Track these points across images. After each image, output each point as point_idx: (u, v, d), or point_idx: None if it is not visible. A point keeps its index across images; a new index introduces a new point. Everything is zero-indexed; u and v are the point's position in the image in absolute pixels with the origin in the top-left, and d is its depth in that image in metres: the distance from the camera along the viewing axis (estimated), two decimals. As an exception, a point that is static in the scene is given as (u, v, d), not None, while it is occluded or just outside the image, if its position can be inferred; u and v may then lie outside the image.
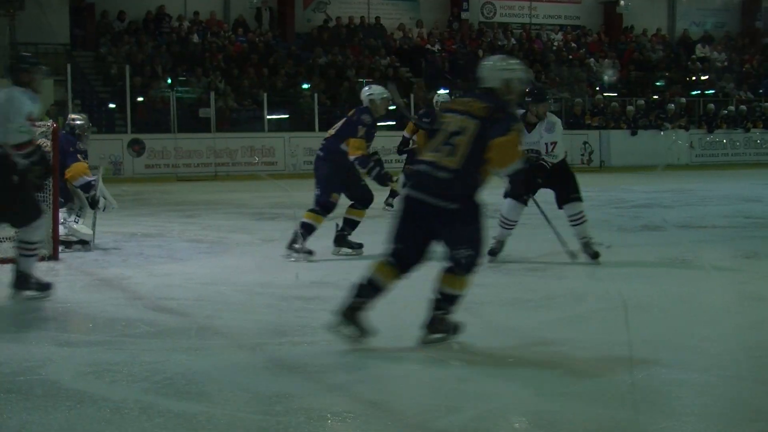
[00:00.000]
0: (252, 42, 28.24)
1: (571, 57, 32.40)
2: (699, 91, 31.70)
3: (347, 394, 4.68)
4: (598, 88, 30.38)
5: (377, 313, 6.58)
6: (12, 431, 4.03)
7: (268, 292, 7.46)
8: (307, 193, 10.01)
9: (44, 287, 7.15)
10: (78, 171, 9.85)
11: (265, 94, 24.55)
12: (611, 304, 6.93)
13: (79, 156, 9.95)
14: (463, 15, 33.00)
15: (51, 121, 9.74)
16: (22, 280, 7.05)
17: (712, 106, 29.73)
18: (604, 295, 7.39)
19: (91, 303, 7.02)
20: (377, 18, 31.42)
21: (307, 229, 9.18)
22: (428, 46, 30.92)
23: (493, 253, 9.06)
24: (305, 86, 26.66)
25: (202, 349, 5.63)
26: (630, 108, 28.33)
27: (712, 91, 31.80)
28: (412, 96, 26.51)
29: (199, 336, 6.00)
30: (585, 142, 26.90)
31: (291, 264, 8.87)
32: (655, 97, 30.52)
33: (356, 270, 8.52)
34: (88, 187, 9.87)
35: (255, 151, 23.71)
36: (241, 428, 4.16)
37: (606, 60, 31.92)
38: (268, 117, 24.55)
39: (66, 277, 8.21)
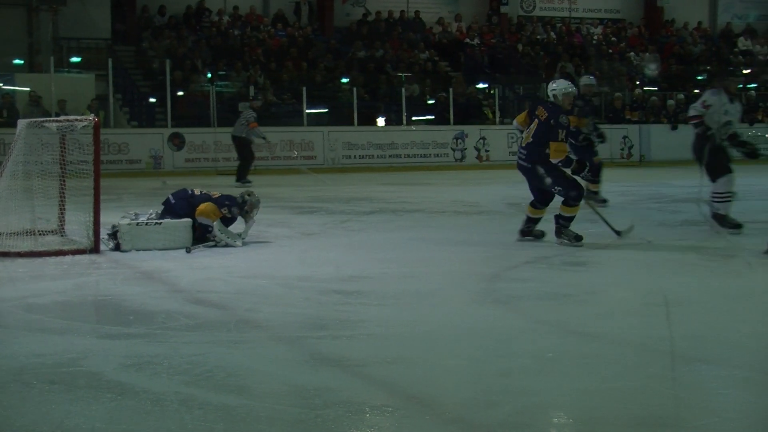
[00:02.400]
0: (291, 36, 28.32)
1: (611, 51, 32.22)
2: (741, 85, 31.38)
3: (386, 387, 4.67)
4: (638, 82, 30.19)
5: (414, 310, 6.59)
6: (55, 422, 4.06)
7: (308, 286, 7.47)
8: (345, 187, 10.03)
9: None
10: (207, 210, 9.69)
11: (304, 89, 24.61)
12: (652, 299, 6.89)
13: (224, 208, 9.79)
14: (503, 9, 32.92)
15: (92, 115, 9.80)
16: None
17: (753, 93, 29.43)
18: (645, 290, 7.34)
19: (131, 296, 7.07)
20: (416, 12, 31.41)
21: (568, 220, 9.60)
22: (467, 40, 30.87)
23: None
24: (344, 80, 26.71)
25: (242, 342, 5.65)
26: (670, 102, 28.11)
27: (755, 85, 31.48)
28: (450, 90, 26.48)
29: (238, 329, 6.02)
30: (625, 137, 26.74)
31: (331, 258, 8.89)
32: (696, 91, 30.25)
33: (393, 264, 8.55)
34: (205, 228, 9.65)
35: (294, 145, 23.78)
36: (280, 421, 4.17)
37: (648, 54, 31.68)
38: (307, 111, 24.61)
39: (107, 270, 8.27)
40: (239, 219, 9.92)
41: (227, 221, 9.84)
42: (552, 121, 9.30)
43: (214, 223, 9.60)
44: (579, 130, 12.79)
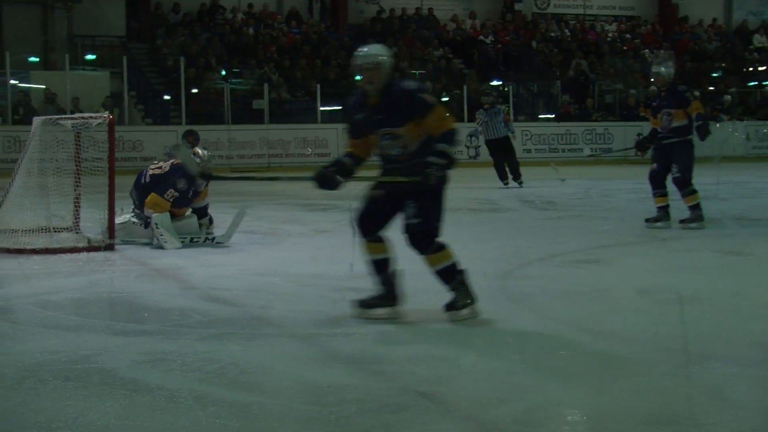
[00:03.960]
0: (305, 33, 28.34)
1: (625, 48, 32.14)
2: (756, 82, 31.27)
3: (399, 385, 4.68)
4: (652, 80, 30.08)
5: (426, 307, 6.60)
6: (70, 418, 4.09)
7: (321, 283, 7.48)
8: (359, 184, 10.02)
9: None
10: (150, 203, 9.53)
11: (318, 86, 24.62)
12: (665, 296, 6.88)
13: (169, 191, 9.51)
14: (517, 6, 32.89)
15: (107, 112, 9.83)
16: None
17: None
18: (658, 288, 7.33)
19: (145, 293, 7.10)
20: (430, 9, 31.40)
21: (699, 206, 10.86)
22: (481, 38, 30.84)
23: None
24: (358, 78, 26.71)
25: (255, 339, 5.67)
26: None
27: (770, 82, 31.39)
28: (465, 87, 26.47)
29: (251, 326, 6.04)
30: (639, 134, 26.54)
31: (344, 256, 8.88)
32: (711, 88, 30.16)
33: (405, 262, 8.57)
34: (147, 221, 9.59)
35: (308, 143, 23.81)
36: (293, 419, 4.19)
37: (662, 51, 31.59)
38: (321, 108, 24.63)
39: (121, 267, 8.31)
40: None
41: (183, 199, 9.64)
42: None
43: (154, 215, 9.41)
44: None
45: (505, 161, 18.06)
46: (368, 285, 7.30)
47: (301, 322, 6.14)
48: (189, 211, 9.97)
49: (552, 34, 32.06)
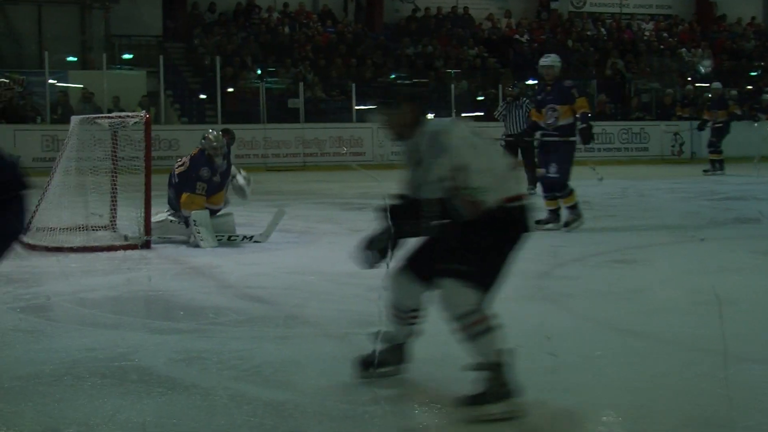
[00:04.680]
0: (340, 32, 28.37)
1: (662, 47, 31.91)
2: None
3: (434, 384, 4.68)
4: (689, 79, 29.89)
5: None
6: (107, 415, 4.11)
7: (356, 282, 7.47)
8: (394, 183, 10.00)
9: None
10: (185, 203, 9.63)
11: (353, 85, 24.64)
12: (702, 297, 6.81)
13: (197, 185, 9.61)
14: (553, 5, 32.74)
15: (144, 111, 9.89)
16: None
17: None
18: (695, 288, 7.27)
19: (181, 291, 7.13)
20: (465, 8, 31.33)
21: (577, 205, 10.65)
22: (517, 37, 30.73)
23: None
24: (393, 76, 26.70)
25: (290, 337, 5.68)
26: (723, 99, 27.78)
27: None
28: (500, 86, 26.38)
29: (287, 325, 6.05)
30: (676, 134, 26.45)
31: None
32: (749, 87, 29.89)
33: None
34: (186, 219, 9.65)
35: (343, 142, 23.82)
36: (328, 417, 4.19)
37: (700, 50, 31.37)
38: (356, 107, 24.63)
39: (158, 266, 8.35)
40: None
41: (212, 186, 9.70)
42: None
43: (192, 213, 9.48)
44: None
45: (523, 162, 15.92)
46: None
47: (336, 320, 6.15)
48: (224, 208, 10.01)
49: (588, 33, 31.89)
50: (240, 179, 10.14)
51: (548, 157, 10.56)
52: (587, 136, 10.82)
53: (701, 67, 30.24)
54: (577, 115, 10.64)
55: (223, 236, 9.61)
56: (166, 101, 23.94)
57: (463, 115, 25.78)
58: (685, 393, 4.52)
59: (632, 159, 25.25)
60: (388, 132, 4.62)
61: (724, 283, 7.28)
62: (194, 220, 9.41)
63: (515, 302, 6.29)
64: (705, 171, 20.60)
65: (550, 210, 10.59)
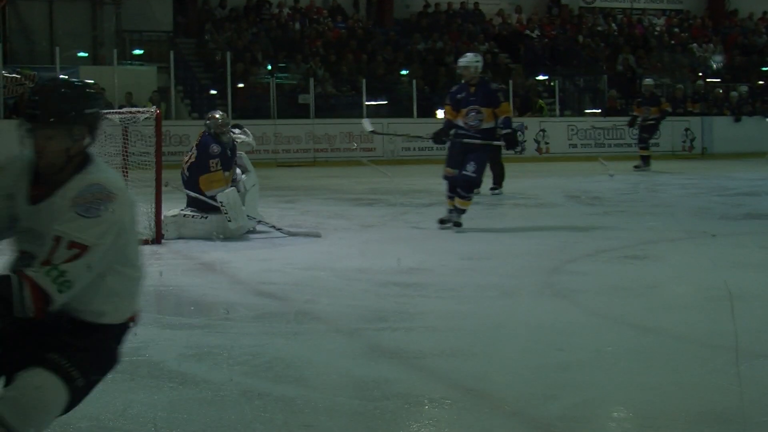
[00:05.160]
0: (351, 28, 28.36)
1: (673, 42, 31.83)
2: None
3: (445, 380, 4.68)
4: (700, 74, 29.81)
5: (473, 303, 6.58)
6: (118, 410, 4.12)
7: (366, 278, 7.49)
8: (404, 179, 10.05)
9: None
10: (204, 184, 9.67)
11: (364, 81, 24.62)
12: (714, 293, 6.80)
13: (211, 163, 9.67)
14: (563, 0, 32.66)
15: (154, 107, 9.90)
16: None
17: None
18: (707, 284, 7.25)
19: (192, 287, 7.14)
20: (476, 4, 31.26)
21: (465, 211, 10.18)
22: (527, 32, 30.67)
23: None
24: (404, 72, 26.69)
25: (301, 333, 5.69)
26: (734, 94, 27.72)
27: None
28: (510, 82, 26.35)
29: (297, 320, 6.05)
30: (686, 129, 26.39)
31: (389, 250, 8.90)
32: (760, 82, 29.79)
33: (452, 257, 8.55)
34: (205, 213, 9.68)
35: (353, 137, 23.81)
36: (339, 413, 4.19)
37: (711, 45, 31.29)
38: (367, 103, 24.62)
39: (169, 261, 8.36)
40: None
41: (226, 161, 9.73)
42: None
43: (218, 196, 9.48)
44: None
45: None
46: (414, 279, 7.30)
47: (346, 316, 6.15)
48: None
49: (599, 29, 31.80)
50: (241, 137, 10.22)
51: (466, 157, 10.12)
52: (514, 141, 10.68)
53: (713, 63, 30.15)
54: (500, 120, 10.32)
55: (253, 218, 9.64)
56: (176, 97, 23.95)
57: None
58: (697, 389, 4.51)
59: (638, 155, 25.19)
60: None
61: (736, 279, 7.26)
62: (221, 202, 9.44)
63: (526, 298, 6.30)
64: (635, 167, 20.03)
65: (451, 209, 10.21)
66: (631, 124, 21.31)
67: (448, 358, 5.06)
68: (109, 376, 4.55)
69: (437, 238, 9.69)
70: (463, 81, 10.55)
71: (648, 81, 21.42)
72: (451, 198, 10.21)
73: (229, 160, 9.81)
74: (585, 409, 4.26)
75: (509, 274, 7.76)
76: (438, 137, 10.61)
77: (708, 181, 17.26)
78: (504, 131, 10.40)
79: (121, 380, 4.56)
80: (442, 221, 10.13)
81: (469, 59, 10.58)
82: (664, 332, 5.70)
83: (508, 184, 14.74)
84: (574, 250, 8.86)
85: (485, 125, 10.18)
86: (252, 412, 4.12)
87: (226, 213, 9.38)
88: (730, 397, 4.37)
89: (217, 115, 10.01)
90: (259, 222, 9.80)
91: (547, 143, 25.48)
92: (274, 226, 9.71)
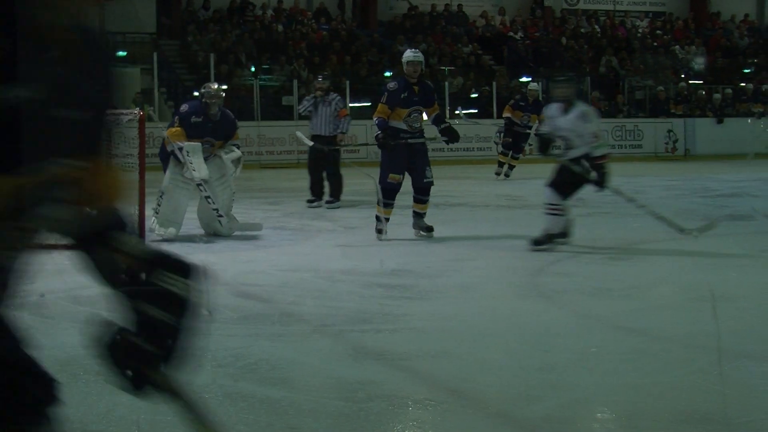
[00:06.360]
0: (335, 30, 28.36)
1: (656, 44, 31.96)
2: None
3: (429, 381, 4.68)
4: (683, 76, 29.93)
5: (457, 304, 6.58)
6: (101, 413, 4.10)
7: (351, 279, 7.49)
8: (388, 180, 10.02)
9: None
10: (169, 135, 9.79)
11: (348, 82, 24.62)
12: (697, 294, 6.83)
13: (175, 119, 9.92)
14: (546, 2, 32.77)
15: (138, 108, 9.89)
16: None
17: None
18: (690, 285, 7.29)
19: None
20: (459, 6, 31.32)
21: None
22: (511, 34, 30.74)
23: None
24: (387, 74, 26.71)
25: (285, 335, 5.68)
26: (716, 96, 27.86)
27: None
28: (494, 84, 26.41)
29: (282, 322, 6.04)
30: (669, 131, 26.50)
31: (373, 252, 8.90)
32: (743, 84, 29.95)
33: (436, 258, 8.56)
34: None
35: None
36: (324, 414, 4.19)
37: (694, 47, 31.42)
38: (351, 105, 24.62)
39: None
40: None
41: (199, 130, 9.74)
42: None
43: (185, 144, 9.58)
44: None
45: (324, 171, 13.82)
46: (398, 281, 7.31)
47: (331, 318, 6.14)
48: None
49: (582, 30, 31.90)
50: (232, 156, 10.16)
51: (417, 162, 9.78)
52: (455, 134, 10.16)
53: (695, 64, 30.28)
54: (431, 117, 10.09)
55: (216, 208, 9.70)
56: (160, 98, 23.90)
57: (456, 112, 25.81)
58: (680, 390, 4.52)
59: (626, 156, 25.26)
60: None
61: (719, 280, 7.30)
62: (186, 151, 9.52)
63: (510, 299, 6.31)
64: (497, 174, 19.03)
65: (387, 218, 9.80)
66: (507, 130, 19.17)
67: (432, 359, 5.06)
68: (92, 378, 4.55)
69: (420, 240, 9.69)
70: (409, 78, 9.97)
71: (533, 86, 19.56)
72: (389, 207, 9.77)
73: (202, 131, 9.79)
74: (569, 409, 4.27)
75: (493, 275, 7.78)
76: (387, 143, 9.82)
77: (691, 183, 17.32)
78: (442, 126, 10.10)
79: (104, 383, 4.54)
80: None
81: (418, 54, 10.20)
82: (648, 333, 5.71)
83: (492, 187, 14.76)
84: (558, 251, 8.87)
85: (423, 125, 9.96)
86: (236, 414, 4.11)
87: (191, 163, 9.43)
88: (713, 397, 4.39)
89: (213, 86, 10.21)
90: (220, 216, 9.73)
91: (530, 145, 25.52)
92: (219, 213, 9.69)
